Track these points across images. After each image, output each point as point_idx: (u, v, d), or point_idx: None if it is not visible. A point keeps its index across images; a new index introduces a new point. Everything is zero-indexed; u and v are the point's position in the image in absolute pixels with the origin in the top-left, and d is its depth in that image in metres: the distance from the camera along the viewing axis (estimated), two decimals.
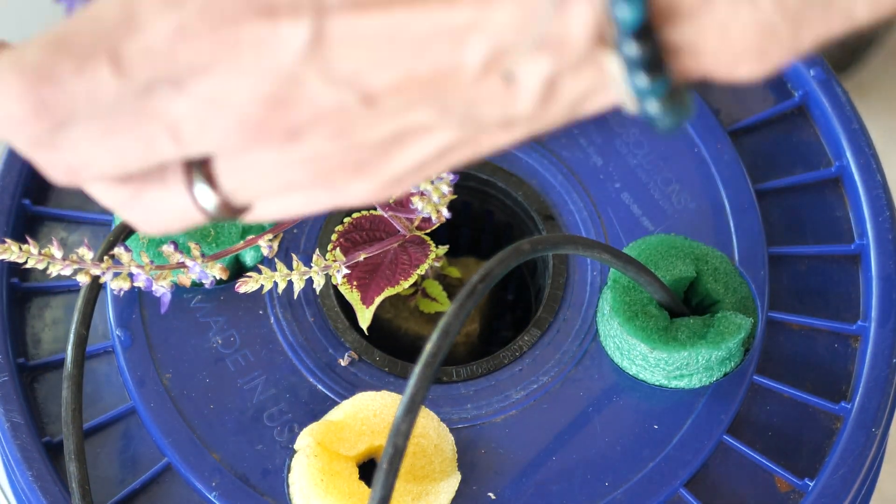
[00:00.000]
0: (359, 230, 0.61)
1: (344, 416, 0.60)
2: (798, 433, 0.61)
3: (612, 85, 0.35)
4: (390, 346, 0.68)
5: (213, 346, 0.63)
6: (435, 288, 0.66)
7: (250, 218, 0.40)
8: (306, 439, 0.59)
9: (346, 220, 0.61)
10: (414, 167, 0.38)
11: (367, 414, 0.60)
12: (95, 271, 0.51)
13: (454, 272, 0.68)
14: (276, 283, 0.62)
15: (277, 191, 0.38)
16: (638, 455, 0.60)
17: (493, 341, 0.74)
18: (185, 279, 0.53)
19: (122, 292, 0.52)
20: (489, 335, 0.73)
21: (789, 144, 0.69)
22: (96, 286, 0.60)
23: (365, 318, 0.59)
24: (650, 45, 0.33)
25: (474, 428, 0.61)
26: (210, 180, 0.38)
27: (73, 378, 0.59)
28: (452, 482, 0.59)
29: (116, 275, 0.52)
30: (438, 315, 0.66)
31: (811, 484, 0.59)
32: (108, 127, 0.36)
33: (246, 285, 0.55)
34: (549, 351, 0.63)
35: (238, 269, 0.65)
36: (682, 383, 0.61)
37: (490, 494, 0.59)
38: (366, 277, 0.60)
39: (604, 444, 0.60)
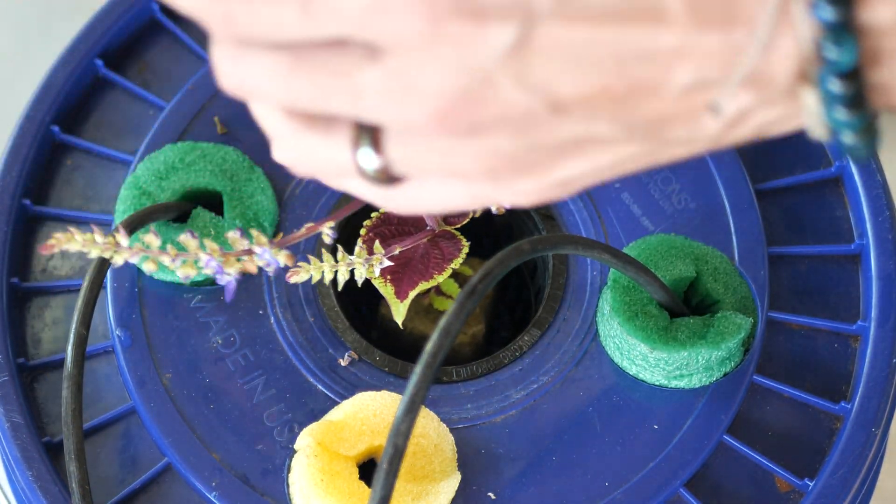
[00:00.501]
0: (387, 224, 0.61)
1: (344, 416, 0.60)
2: (798, 433, 0.61)
3: (806, 115, 0.36)
4: (395, 345, 0.68)
5: (213, 346, 0.63)
6: (452, 286, 0.66)
7: (402, 199, 0.40)
8: (306, 439, 0.59)
9: (374, 214, 0.60)
10: (586, 174, 0.38)
11: (367, 414, 0.60)
12: (164, 259, 0.50)
13: (467, 270, 0.68)
14: (274, 284, 0.62)
15: (441, 174, 0.38)
16: (638, 455, 0.60)
17: (493, 341, 0.74)
18: (251, 265, 0.52)
19: (188, 279, 0.51)
20: (489, 335, 0.73)
21: (789, 144, 0.69)
22: (96, 286, 0.60)
23: (400, 312, 0.59)
24: (855, 84, 0.34)
25: (474, 428, 0.61)
26: (376, 142, 0.38)
27: (73, 378, 0.59)
28: (452, 482, 0.59)
29: (184, 262, 0.51)
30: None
31: (811, 484, 0.59)
32: (292, 63, 0.36)
33: (297, 275, 0.54)
34: (549, 351, 0.63)
35: None
36: (681, 383, 0.61)
37: (490, 494, 0.59)
38: (398, 272, 0.60)
39: (604, 444, 0.60)
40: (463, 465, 0.60)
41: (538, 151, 0.37)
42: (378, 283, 0.59)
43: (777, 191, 0.68)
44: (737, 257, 0.65)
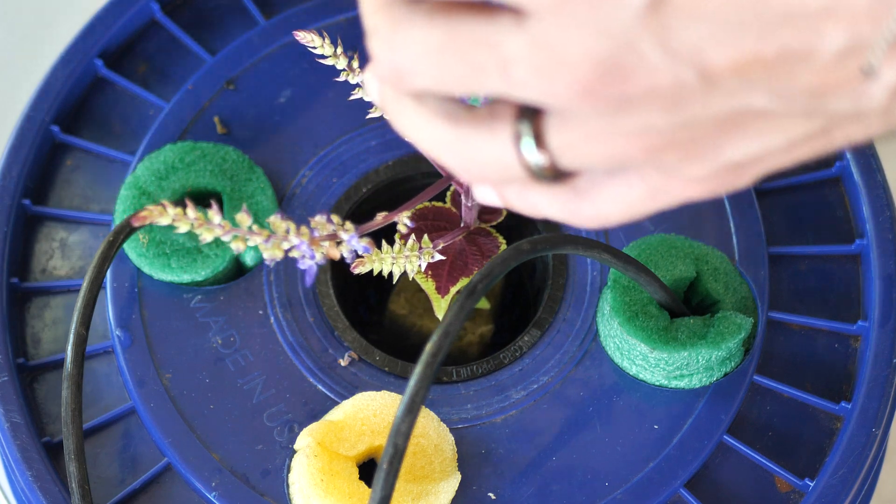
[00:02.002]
0: (423, 219, 0.61)
1: (344, 416, 0.60)
2: (798, 433, 0.61)
3: None
4: (403, 343, 0.68)
5: (213, 346, 0.63)
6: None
7: (587, 211, 0.39)
8: (306, 439, 0.59)
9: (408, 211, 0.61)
10: (758, 156, 0.36)
11: (368, 414, 0.60)
12: (256, 239, 0.50)
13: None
14: (274, 285, 0.62)
15: (604, 160, 0.37)
16: (638, 455, 0.60)
17: (493, 341, 0.74)
18: (335, 252, 0.52)
19: (272, 262, 0.51)
20: (497, 335, 0.73)
21: None
22: (96, 286, 0.60)
23: (441, 307, 0.59)
24: None
25: (474, 428, 0.61)
26: (537, 137, 0.37)
27: (72, 378, 0.59)
28: (452, 482, 0.59)
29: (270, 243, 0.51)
30: None
31: (811, 484, 0.59)
32: (446, 42, 0.36)
33: (362, 266, 0.54)
34: (549, 351, 0.63)
35: (238, 269, 0.65)
36: (682, 383, 0.61)
37: (490, 495, 0.59)
38: (439, 267, 0.60)
39: (604, 444, 0.60)
40: (463, 465, 0.60)
41: (695, 128, 0.36)
42: (420, 279, 0.60)
43: (777, 190, 0.68)
44: (737, 257, 0.65)
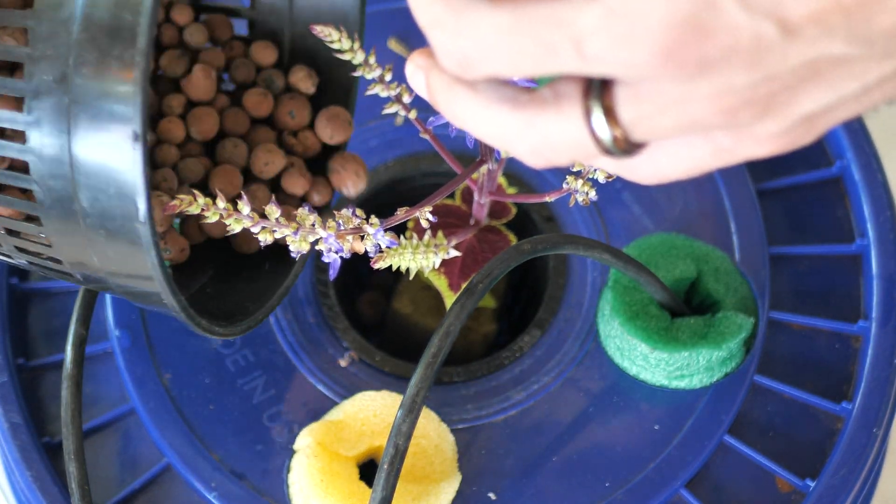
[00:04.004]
0: (433, 216, 0.61)
1: (344, 417, 0.60)
2: (799, 433, 0.61)
3: None
4: (406, 342, 0.68)
5: (213, 346, 0.62)
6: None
7: (647, 169, 0.39)
8: (306, 439, 0.59)
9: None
10: (832, 106, 0.36)
11: (368, 414, 0.60)
12: (284, 230, 0.50)
13: None
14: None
15: (678, 129, 0.36)
16: (638, 455, 0.60)
17: (493, 341, 0.74)
18: (360, 245, 0.52)
19: (298, 254, 0.51)
20: (501, 335, 0.73)
21: None
22: None
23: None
24: None
25: (475, 428, 0.61)
26: (608, 112, 0.37)
27: (72, 378, 0.59)
28: (453, 482, 0.59)
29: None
30: None
31: (812, 484, 0.59)
32: (514, 24, 0.35)
33: (381, 261, 0.54)
34: (549, 351, 0.63)
35: None
36: (682, 384, 0.61)
37: (490, 495, 0.59)
38: (450, 264, 0.60)
39: (604, 444, 0.60)
40: (463, 465, 0.60)
41: (774, 82, 0.35)
42: (432, 276, 0.59)
43: (778, 190, 0.68)
44: (738, 257, 0.65)
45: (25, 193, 0.51)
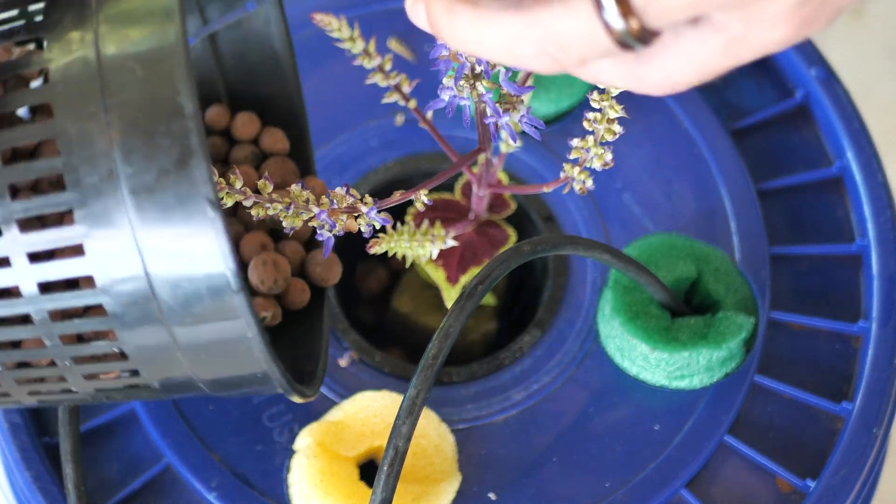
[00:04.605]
0: (432, 210, 0.61)
1: (344, 417, 0.60)
2: (799, 433, 0.61)
3: None
4: (407, 341, 0.68)
5: None
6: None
7: (657, 75, 0.38)
8: (306, 440, 0.59)
9: (419, 201, 0.61)
10: None
11: (368, 414, 0.60)
12: (277, 206, 0.50)
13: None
14: None
15: (690, 5, 0.35)
16: (639, 456, 0.60)
17: (495, 341, 0.74)
18: (353, 224, 0.51)
19: (291, 231, 0.51)
20: (501, 334, 0.73)
21: (790, 144, 0.69)
22: None
23: (451, 297, 0.59)
24: None
25: (475, 428, 0.61)
26: (620, 2, 0.36)
27: None
28: (453, 483, 0.59)
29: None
30: None
31: (812, 484, 0.59)
32: None
33: (377, 246, 0.54)
34: (549, 351, 0.63)
35: None
36: (683, 384, 0.61)
37: (490, 495, 0.59)
38: (449, 257, 0.60)
39: (604, 444, 0.60)
40: (463, 465, 0.60)
41: None
42: (430, 268, 0.59)
43: (778, 191, 0.68)
44: (738, 257, 0.65)
45: (87, 312, 0.47)
